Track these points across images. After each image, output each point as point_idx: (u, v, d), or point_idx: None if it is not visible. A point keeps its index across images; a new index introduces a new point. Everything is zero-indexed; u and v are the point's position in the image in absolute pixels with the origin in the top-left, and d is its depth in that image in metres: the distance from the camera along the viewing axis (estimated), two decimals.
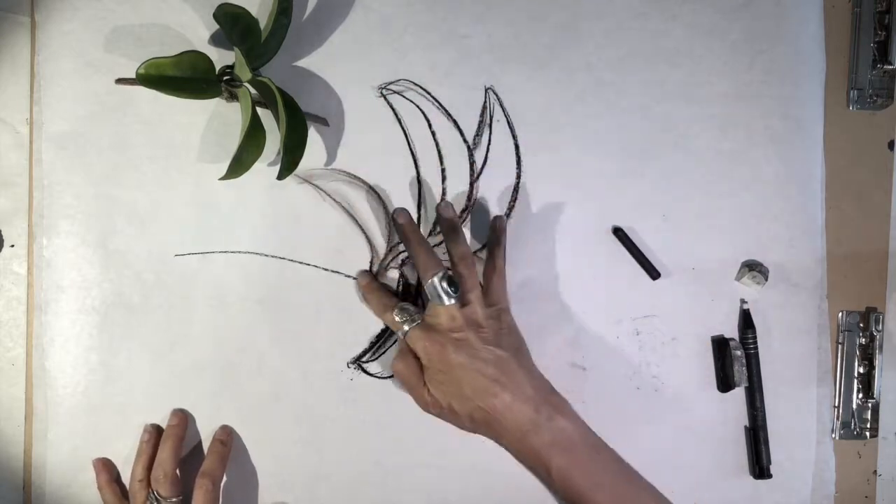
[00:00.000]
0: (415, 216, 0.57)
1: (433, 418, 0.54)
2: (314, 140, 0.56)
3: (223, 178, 0.52)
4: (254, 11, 0.53)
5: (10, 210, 0.56)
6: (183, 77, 0.50)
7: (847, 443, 0.58)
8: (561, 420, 0.50)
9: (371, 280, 0.56)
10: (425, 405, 0.52)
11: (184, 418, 0.56)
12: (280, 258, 0.56)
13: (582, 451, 0.50)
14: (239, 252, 0.56)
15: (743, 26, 0.57)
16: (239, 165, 0.52)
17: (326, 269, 0.56)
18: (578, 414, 0.51)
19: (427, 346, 0.50)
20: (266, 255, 0.56)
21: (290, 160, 0.52)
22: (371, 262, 0.57)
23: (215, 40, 0.55)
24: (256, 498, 0.57)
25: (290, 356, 0.57)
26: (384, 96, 0.56)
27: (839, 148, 0.58)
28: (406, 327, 0.52)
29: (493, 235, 0.55)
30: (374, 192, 0.57)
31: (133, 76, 0.49)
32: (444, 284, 0.50)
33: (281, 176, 0.52)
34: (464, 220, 0.57)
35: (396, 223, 0.53)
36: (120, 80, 0.53)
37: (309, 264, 0.56)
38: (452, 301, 0.50)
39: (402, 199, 0.57)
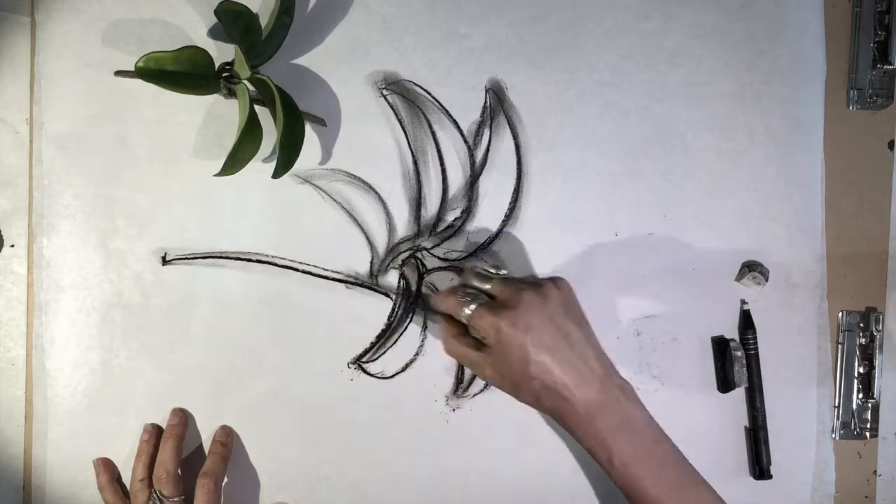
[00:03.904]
0: (414, 216, 0.57)
1: (432, 418, 0.54)
2: (312, 139, 0.56)
3: (218, 175, 0.52)
4: (254, 9, 0.53)
5: (10, 210, 0.56)
6: (182, 72, 0.50)
7: (847, 443, 0.58)
8: (626, 402, 0.49)
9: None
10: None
11: (184, 418, 0.56)
12: (281, 266, 0.56)
13: (645, 439, 0.49)
14: (239, 258, 0.56)
15: (743, 26, 0.57)
16: (235, 162, 0.52)
17: (325, 278, 0.56)
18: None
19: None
20: (267, 257, 0.56)
21: (285, 159, 0.52)
22: (371, 262, 0.57)
23: (213, 34, 0.55)
24: (257, 498, 0.57)
25: (290, 356, 0.57)
26: (384, 96, 0.56)
27: (839, 148, 0.58)
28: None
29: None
30: (374, 192, 0.57)
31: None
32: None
33: (276, 174, 0.52)
34: (463, 220, 0.57)
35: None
36: (119, 73, 0.53)
37: (307, 272, 0.56)
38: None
39: (402, 198, 0.57)
